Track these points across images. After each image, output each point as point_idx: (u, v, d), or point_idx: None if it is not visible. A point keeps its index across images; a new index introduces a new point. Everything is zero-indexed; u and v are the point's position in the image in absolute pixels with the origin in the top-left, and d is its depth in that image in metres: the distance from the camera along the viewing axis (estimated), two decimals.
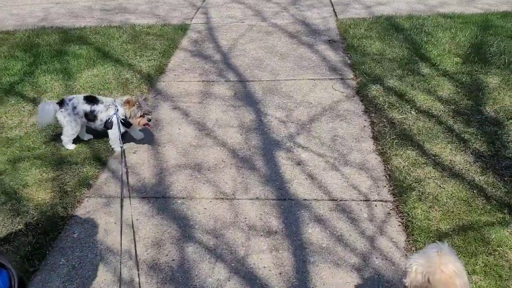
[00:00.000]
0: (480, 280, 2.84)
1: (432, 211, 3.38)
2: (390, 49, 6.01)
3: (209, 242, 3.26)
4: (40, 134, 4.56)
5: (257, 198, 3.66)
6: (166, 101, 5.15)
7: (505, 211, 3.35)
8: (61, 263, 3.14)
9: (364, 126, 4.53)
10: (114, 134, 4.18)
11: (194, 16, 7.79)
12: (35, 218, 3.49)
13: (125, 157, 3.51)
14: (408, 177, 3.73)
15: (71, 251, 3.23)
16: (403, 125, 4.43)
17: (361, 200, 3.58)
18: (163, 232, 3.36)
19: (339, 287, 2.89)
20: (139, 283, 2.89)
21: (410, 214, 3.37)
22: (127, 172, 3.44)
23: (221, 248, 3.20)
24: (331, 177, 3.85)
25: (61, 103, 4.18)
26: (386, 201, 3.55)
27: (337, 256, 3.10)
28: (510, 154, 3.94)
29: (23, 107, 5.10)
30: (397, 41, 6.21)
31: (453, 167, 3.83)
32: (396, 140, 4.19)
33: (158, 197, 3.72)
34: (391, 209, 3.47)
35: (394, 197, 3.58)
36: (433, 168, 3.82)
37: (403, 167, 3.85)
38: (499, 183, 3.63)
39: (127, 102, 4.01)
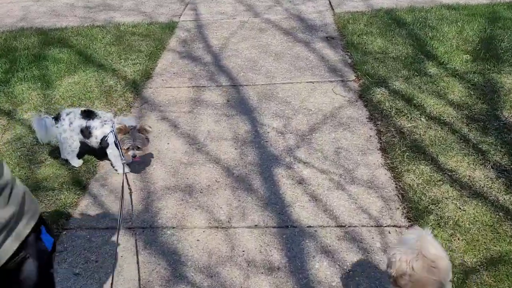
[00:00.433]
0: None
1: (454, 239, 2.99)
2: (393, 47, 5.58)
3: (203, 283, 2.87)
4: (14, 154, 4.13)
5: (255, 225, 3.27)
6: (154, 111, 4.72)
7: None
8: None
9: (370, 136, 4.13)
10: (112, 153, 3.77)
11: (183, 13, 7.31)
12: None
13: (127, 178, 3.14)
14: (423, 198, 3.34)
15: None
16: (414, 134, 4.03)
17: (372, 226, 3.20)
18: (150, 272, 2.96)
19: None
20: None
21: None
22: (130, 192, 3.07)
23: None
24: (337, 197, 3.47)
25: (57, 118, 3.77)
26: (400, 227, 3.17)
27: None
28: None
29: None
30: (400, 37, 5.79)
31: (472, 184, 3.44)
32: (407, 153, 3.79)
33: (145, 227, 3.32)
34: None
35: (409, 222, 3.19)
36: (451, 186, 3.43)
37: (417, 186, 3.46)
38: None
39: (119, 129, 3.59)
